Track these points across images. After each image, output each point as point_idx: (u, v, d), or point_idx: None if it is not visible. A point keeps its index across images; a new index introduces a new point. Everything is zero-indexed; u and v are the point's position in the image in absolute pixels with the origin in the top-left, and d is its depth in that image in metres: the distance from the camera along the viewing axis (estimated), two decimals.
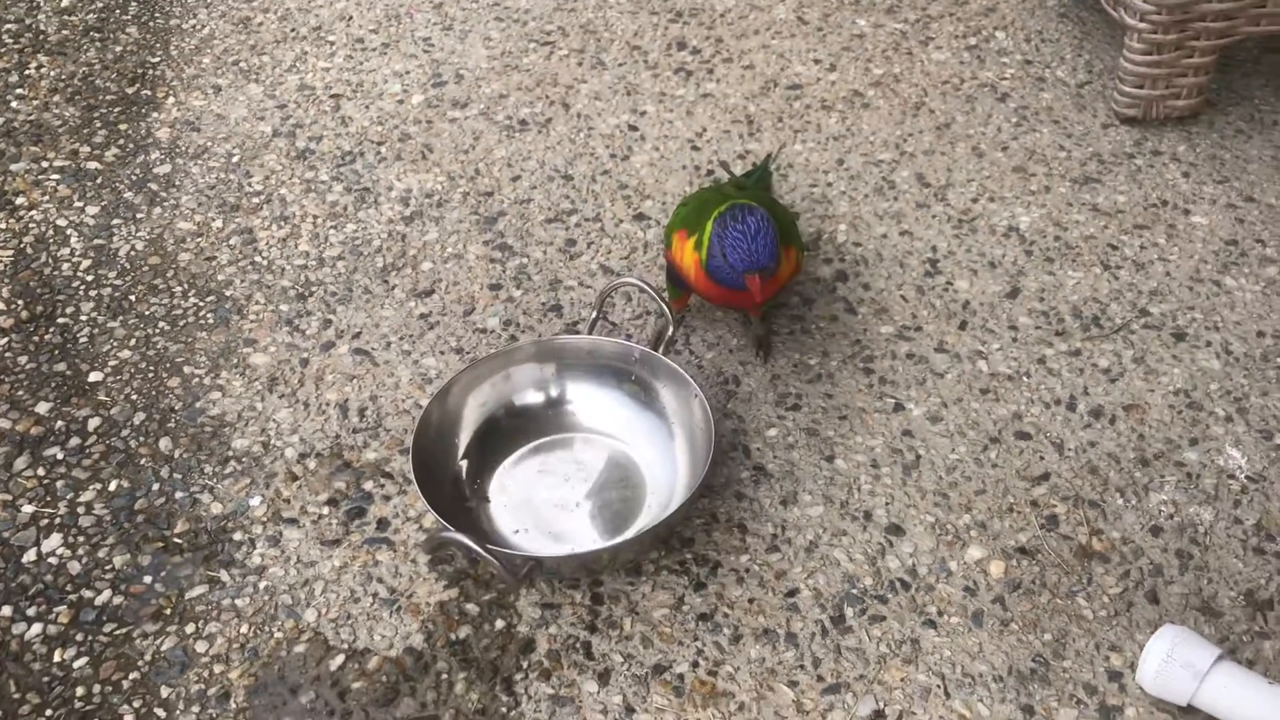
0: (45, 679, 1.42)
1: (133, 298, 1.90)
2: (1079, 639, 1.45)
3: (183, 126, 2.23)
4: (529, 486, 1.60)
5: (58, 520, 1.59)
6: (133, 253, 1.98)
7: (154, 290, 1.91)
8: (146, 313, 1.87)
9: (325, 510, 1.60)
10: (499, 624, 1.47)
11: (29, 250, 1.98)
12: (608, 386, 1.67)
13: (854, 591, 1.50)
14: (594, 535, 1.54)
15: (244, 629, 1.47)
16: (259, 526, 1.58)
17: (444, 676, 1.42)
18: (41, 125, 2.23)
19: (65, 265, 1.95)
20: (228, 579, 1.52)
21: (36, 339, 1.83)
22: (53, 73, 2.35)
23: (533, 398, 1.67)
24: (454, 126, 2.22)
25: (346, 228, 2.02)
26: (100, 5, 2.55)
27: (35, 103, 2.28)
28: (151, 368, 1.79)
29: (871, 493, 1.61)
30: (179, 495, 1.62)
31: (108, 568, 1.54)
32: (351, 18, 2.50)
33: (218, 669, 1.43)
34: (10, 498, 1.61)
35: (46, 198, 2.08)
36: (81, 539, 1.57)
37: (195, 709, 1.40)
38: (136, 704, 1.40)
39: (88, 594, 1.51)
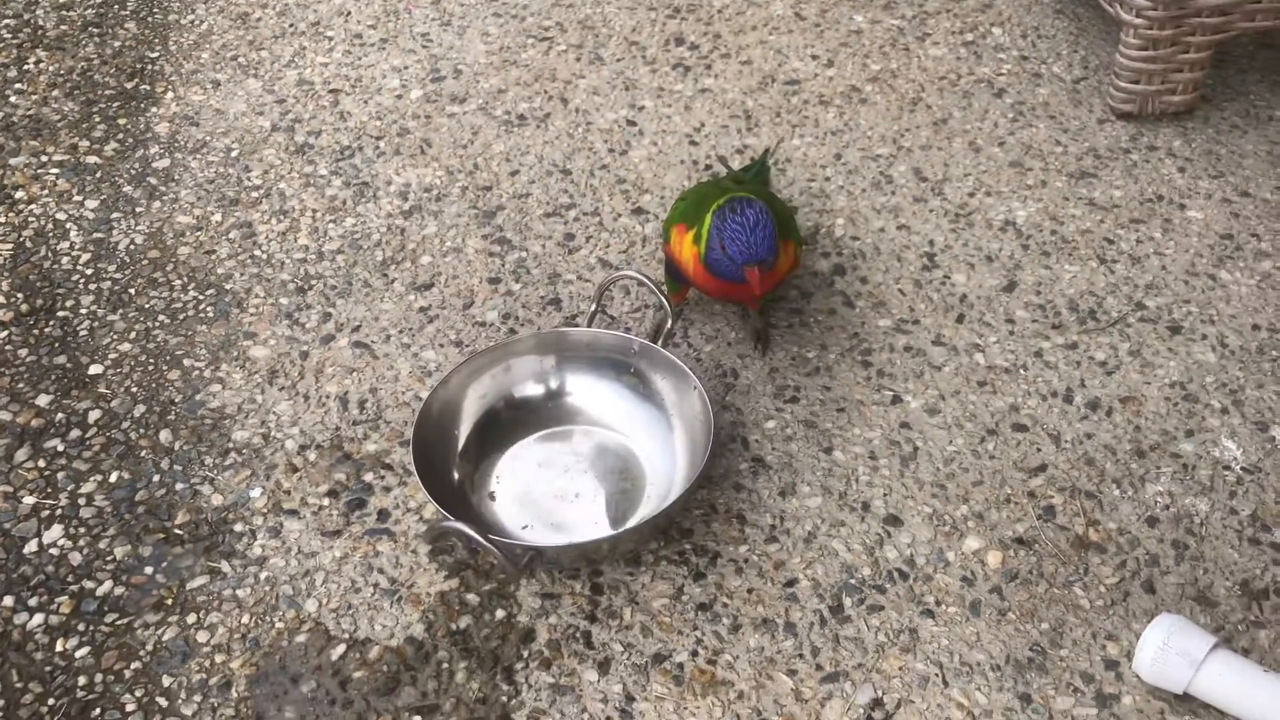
0: (47, 668, 1.43)
1: (132, 291, 1.90)
2: (1076, 628, 1.45)
3: (182, 121, 2.23)
4: (529, 478, 1.61)
5: (59, 511, 1.59)
6: (132, 246, 1.98)
7: (154, 284, 1.92)
8: (146, 306, 1.88)
9: (326, 501, 1.60)
10: (499, 614, 1.48)
11: (28, 244, 1.98)
12: (607, 379, 1.68)
13: (852, 581, 1.51)
14: (594, 526, 1.55)
15: (245, 619, 1.48)
16: (260, 517, 1.59)
17: (445, 666, 1.43)
18: (40, 120, 2.23)
19: (65, 259, 1.96)
20: (229, 569, 1.53)
21: (36, 332, 1.83)
22: (51, 68, 2.36)
23: (533, 390, 1.68)
24: (452, 121, 2.22)
25: (346, 222, 2.02)
26: (99, 0, 2.55)
27: (34, 97, 2.28)
28: (151, 360, 1.79)
29: (870, 484, 1.62)
30: (179, 487, 1.63)
31: (109, 558, 1.54)
32: (350, 13, 2.50)
33: (219, 659, 1.44)
34: (11, 489, 1.62)
35: (46, 192, 2.08)
36: (82, 530, 1.57)
37: (197, 698, 1.40)
38: (138, 693, 1.41)
39: (89, 584, 1.51)
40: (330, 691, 1.40)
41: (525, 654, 1.44)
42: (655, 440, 1.63)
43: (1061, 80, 2.29)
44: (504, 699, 1.40)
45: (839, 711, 1.38)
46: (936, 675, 1.41)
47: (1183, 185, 2.06)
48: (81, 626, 1.47)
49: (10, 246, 1.98)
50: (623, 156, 2.14)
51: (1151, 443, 1.66)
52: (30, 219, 2.03)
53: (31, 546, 1.55)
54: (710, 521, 1.57)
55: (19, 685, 1.41)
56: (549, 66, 2.35)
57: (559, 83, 2.31)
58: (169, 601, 1.50)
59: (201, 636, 1.46)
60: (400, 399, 1.73)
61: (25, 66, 2.36)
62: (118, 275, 1.93)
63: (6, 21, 2.47)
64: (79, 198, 2.07)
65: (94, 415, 1.72)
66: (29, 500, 1.61)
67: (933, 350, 1.79)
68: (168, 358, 1.80)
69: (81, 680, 1.42)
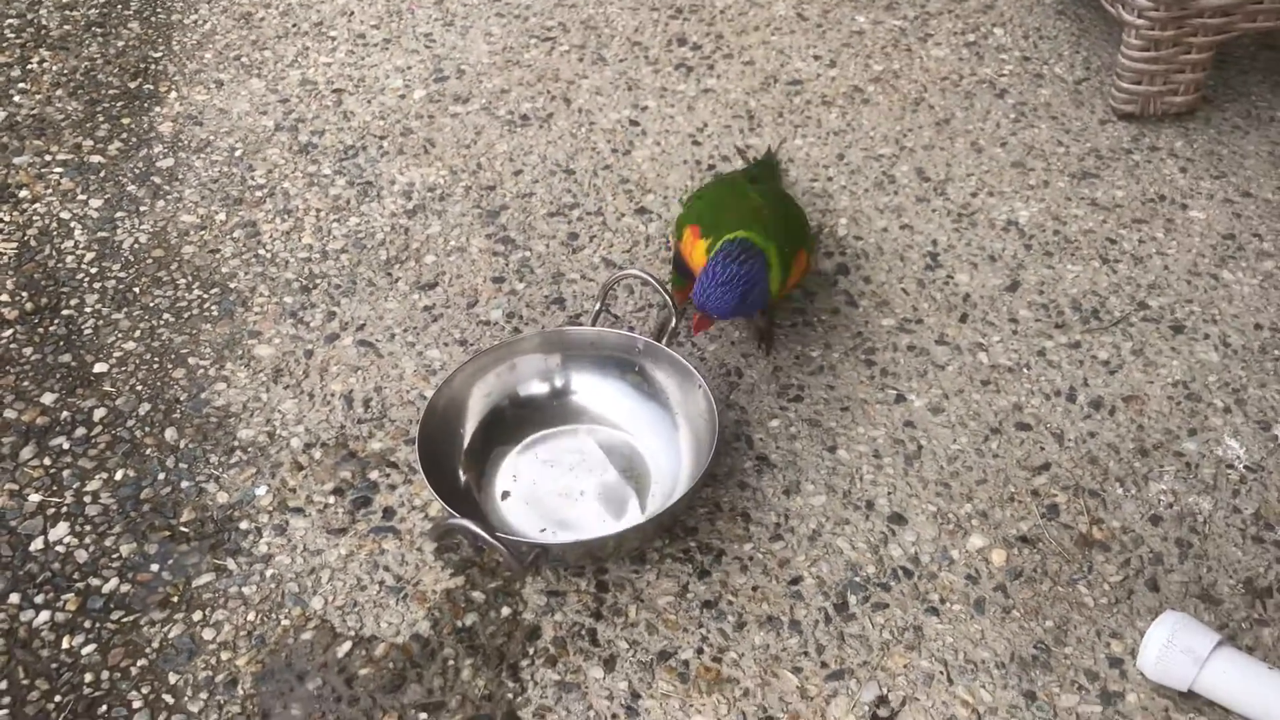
0: (54, 665, 1.43)
1: (137, 290, 1.91)
2: (1080, 626, 1.46)
3: (185, 120, 2.24)
4: (534, 476, 1.61)
5: (64, 509, 1.60)
6: (136, 245, 1.98)
7: (158, 282, 1.92)
8: (151, 305, 1.88)
9: (331, 499, 1.61)
10: (505, 611, 1.48)
11: (33, 243, 1.99)
12: (612, 377, 1.68)
13: (857, 579, 1.51)
14: (599, 523, 1.55)
15: (251, 616, 1.48)
16: (265, 515, 1.59)
17: (450, 663, 1.43)
18: (44, 119, 2.24)
19: (69, 258, 1.96)
20: (234, 567, 1.53)
21: (41, 331, 1.84)
22: (55, 67, 2.36)
23: (537, 388, 1.68)
24: (456, 121, 2.23)
25: (349, 221, 2.03)
26: (102, 0, 2.55)
27: (38, 97, 2.29)
28: (156, 359, 1.80)
29: (874, 482, 1.62)
30: (185, 485, 1.63)
31: (115, 556, 1.54)
32: (353, 13, 2.51)
33: (225, 656, 1.44)
34: (17, 486, 1.62)
35: (50, 191, 2.09)
36: (88, 528, 1.57)
37: (203, 695, 1.40)
38: (145, 690, 1.41)
39: (95, 582, 1.52)
40: (336, 689, 1.41)
41: (531, 651, 1.44)
42: (660, 438, 1.63)
43: (1063, 81, 2.30)
44: (510, 696, 1.40)
45: (844, 709, 1.39)
46: (941, 673, 1.42)
47: (1185, 185, 2.07)
48: (88, 624, 1.47)
49: (15, 245, 1.98)
50: (626, 156, 2.15)
51: (1155, 441, 1.67)
52: (34, 218, 2.03)
53: (38, 544, 1.56)
54: (715, 519, 1.58)
55: (25, 682, 1.42)
56: (552, 67, 2.36)
57: (562, 83, 2.31)
58: (175, 599, 1.50)
59: (207, 634, 1.46)
60: (405, 397, 1.74)
61: (29, 66, 2.36)
62: (122, 274, 1.93)
63: (10, 21, 2.48)
64: (83, 197, 2.07)
65: (99, 413, 1.72)
66: (35, 498, 1.61)
67: (936, 349, 1.80)
68: (172, 356, 1.80)
69: (88, 677, 1.42)
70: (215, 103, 2.28)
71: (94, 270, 1.94)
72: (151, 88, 2.31)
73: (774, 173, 1.92)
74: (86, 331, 1.84)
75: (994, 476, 1.63)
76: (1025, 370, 1.77)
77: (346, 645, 1.45)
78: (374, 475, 1.63)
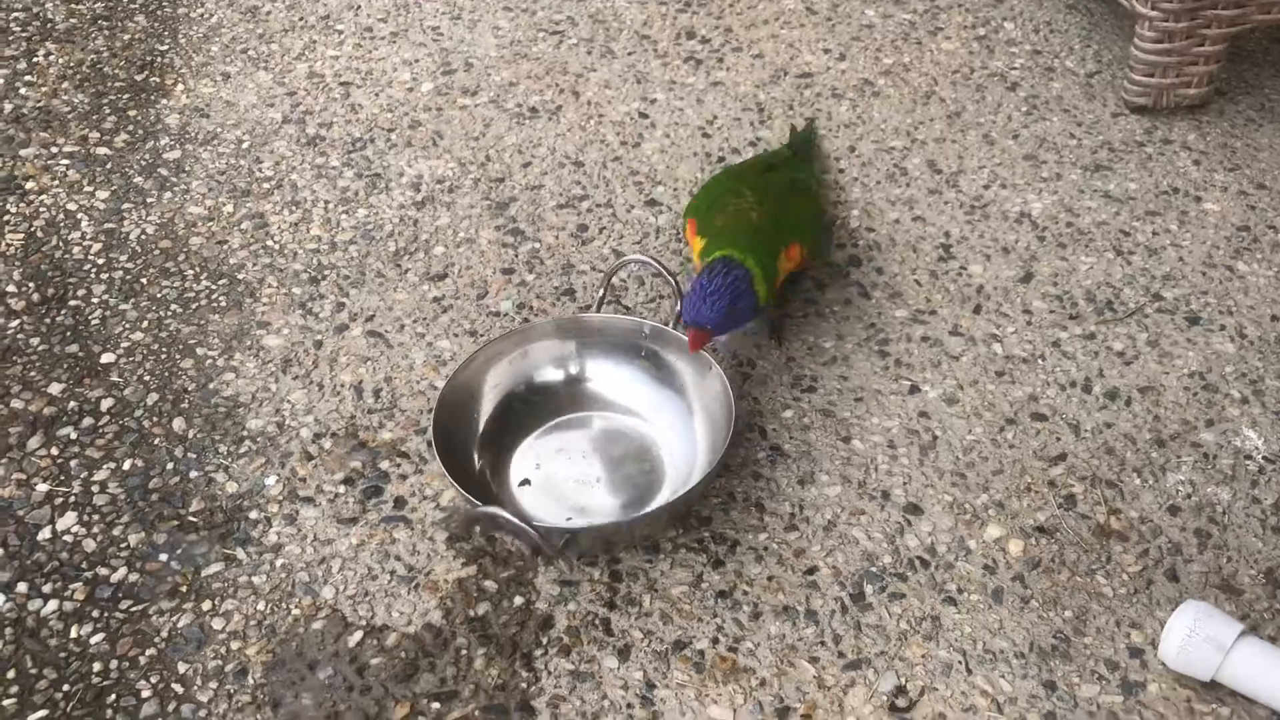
0: (62, 654, 1.41)
1: (144, 281, 1.89)
2: (1099, 616, 1.44)
3: (192, 113, 2.22)
4: (549, 463, 1.60)
5: (72, 499, 1.58)
6: (143, 236, 1.97)
7: (165, 273, 1.91)
8: (158, 295, 1.87)
9: (342, 489, 1.59)
10: (518, 600, 1.46)
11: (39, 234, 1.97)
12: (626, 364, 1.67)
13: (873, 569, 1.50)
14: (618, 510, 1.54)
15: (261, 606, 1.46)
16: (275, 505, 1.57)
17: (463, 652, 1.41)
18: (50, 112, 2.22)
19: (76, 249, 1.95)
20: (244, 556, 1.52)
21: (48, 321, 1.82)
22: (61, 60, 2.35)
23: (552, 375, 1.67)
24: (464, 114, 2.22)
25: (358, 213, 2.01)
26: None
27: (44, 89, 2.27)
28: (164, 349, 1.78)
29: (889, 473, 1.61)
30: (194, 475, 1.61)
31: (123, 545, 1.53)
32: (360, 7, 2.49)
33: (235, 645, 1.43)
34: (24, 476, 1.60)
35: (56, 182, 2.07)
36: (96, 517, 1.56)
37: (213, 685, 1.39)
38: (154, 679, 1.39)
39: (103, 571, 1.50)
40: (348, 678, 1.39)
41: (544, 641, 1.42)
42: (675, 424, 1.62)
43: (1074, 74, 2.29)
44: (523, 685, 1.38)
45: (862, 698, 1.37)
46: (960, 662, 1.40)
47: (1198, 178, 2.05)
48: (96, 613, 1.46)
49: (21, 236, 1.97)
50: (635, 149, 2.13)
51: (1171, 432, 1.65)
52: (41, 209, 2.02)
53: (45, 533, 1.54)
54: (729, 509, 1.56)
55: (33, 671, 1.40)
56: (560, 60, 2.34)
57: (570, 76, 2.30)
58: (184, 588, 1.48)
59: (217, 623, 1.45)
60: (415, 388, 1.72)
61: (35, 59, 2.35)
62: (129, 265, 1.92)
63: (16, 15, 2.46)
64: (90, 188, 2.06)
65: (107, 403, 1.70)
66: (42, 487, 1.59)
67: (950, 340, 1.78)
68: (180, 347, 1.79)
69: (96, 666, 1.40)
70: (222, 95, 2.27)
71: (101, 261, 1.92)
72: (158, 80, 2.30)
73: (809, 148, 1.93)
74: (94, 322, 1.82)
75: (1010, 467, 1.61)
76: (1040, 361, 1.75)
77: (358, 635, 1.43)
78: (385, 465, 1.62)
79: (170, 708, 1.37)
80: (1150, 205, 2.00)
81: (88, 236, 1.97)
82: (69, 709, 1.37)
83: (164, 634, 1.44)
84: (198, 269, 1.91)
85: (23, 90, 2.27)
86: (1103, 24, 2.40)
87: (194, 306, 1.85)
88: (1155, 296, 1.85)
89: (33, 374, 1.74)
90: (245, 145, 2.15)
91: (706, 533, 1.54)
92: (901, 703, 1.36)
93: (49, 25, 2.44)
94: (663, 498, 1.54)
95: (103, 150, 2.14)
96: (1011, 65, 2.32)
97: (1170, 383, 1.72)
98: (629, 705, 1.37)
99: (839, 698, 1.37)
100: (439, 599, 1.47)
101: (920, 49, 2.36)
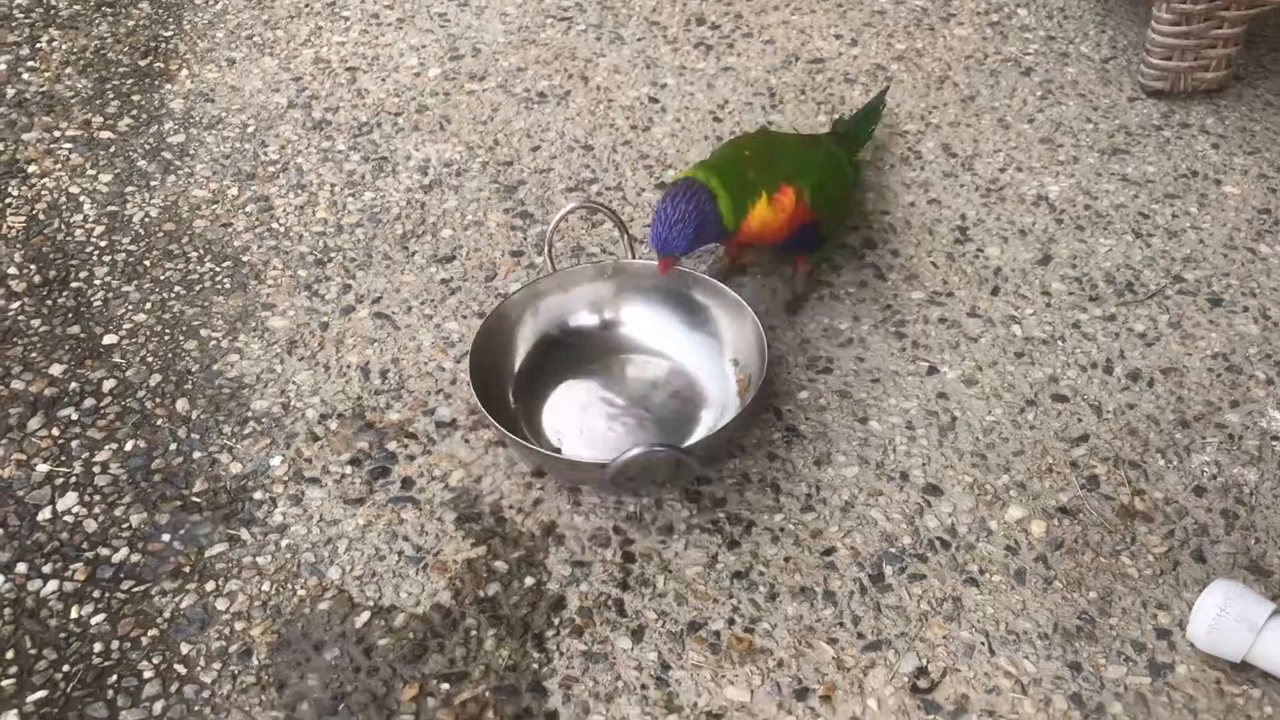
0: (62, 635, 1.38)
1: (147, 263, 1.86)
2: (1125, 597, 1.41)
3: (197, 98, 2.20)
4: (586, 405, 1.61)
5: (73, 479, 1.55)
6: (147, 219, 1.94)
7: (169, 255, 1.87)
8: (162, 277, 1.84)
9: (348, 470, 1.56)
10: (528, 581, 1.43)
11: (41, 216, 1.94)
12: (662, 308, 1.68)
13: (892, 550, 1.46)
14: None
15: (265, 586, 1.43)
16: (280, 486, 1.54)
17: (473, 633, 1.38)
18: (53, 96, 2.20)
19: (78, 231, 1.92)
20: (248, 537, 1.48)
21: (50, 303, 1.79)
22: (64, 46, 2.32)
23: (587, 319, 1.68)
24: (471, 98, 2.19)
25: (365, 196, 1.98)
26: None
27: (47, 75, 2.25)
28: (167, 331, 1.75)
29: (908, 454, 1.57)
30: (197, 455, 1.58)
31: (125, 526, 1.49)
32: None
33: (239, 626, 1.39)
34: (25, 456, 1.57)
35: (59, 166, 2.04)
36: (98, 497, 1.53)
37: (216, 666, 1.35)
38: (156, 660, 1.36)
39: (105, 551, 1.47)
40: (355, 659, 1.36)
41: (556, 621, 1.39)
42: (710, 367, 1.63)
43: (1090, 60, 2.25)
44: (535, 666, 1.35)
45: (883, 680, 1.33)
46: (983, 643, 1.36)
47: (1217, 161, 2.02)
48: (97, 593, 1.42)
49: (23, 219, 1.94)
50: (645, 133, 2.10)
51: (1195, 413, 1.62)
52: (43, 192, 1.99)
53: (45, 514, 1.51)
54: (744, 490, 1.53)
55: (33, 652, 1.37)
56: (569, 45, 2.31)
57: (579, 61, 2.27)
58: (187, 569, 1.45)
59: (221, 604, 1.41)
60: (423, 369, 1.69)
61: (38, 45, 2.32)
62: (132, 247, 1.89)
63: (19, 1, 2.44)
64: (92, 172, 2.03)
65: (109, 384, 1.67)
66: (42, 468, 1.56)
67: (968, 322, 1.75)
68: (184, 328, 1.75)
69: (97, 647, 1.37)
70: (227, 80, 2.24)
71: (103, 244, 1.89)
72: (162, 66, 2.27)
73: (869, 122, 1.99)
74: (96, 304, 1.79)
75: (1031, 448, 1.58)
76: (1060, 343, 1.72)
77: (365, 615, 1.40)
78: (392, 446, 1.58)
79: (173, 688, 1.33)
80: (1169, 188, 1.97)
81: (90, 219, 1.94)
82: (69, 689, 1.33)
83: (166, 614, 1.40)
84: (202, 251, 1.88)
85: (25, 75, 2.25)
86: (1117, 10, 2.37)
87: (198, 288, 1.82)
88: (1176, 278, 1.81)
89: (34, 355, 1.71)
90: (250, 129, 2.12)
91: (721, 514, 1.50)
92: (923, 684, 1.33)
93: (52, 12, 2.41)
94: (700, 434, 1.55)
95: (106, 134, 2.11)
96: (1025, 50, 2.28)
97: (1193, 364, 1.68)
98: (643, 686, 1.33)
99: (859, 679, 1.33)
100: (448, 579, 1.43)
101: (933, 35, 2.33)
